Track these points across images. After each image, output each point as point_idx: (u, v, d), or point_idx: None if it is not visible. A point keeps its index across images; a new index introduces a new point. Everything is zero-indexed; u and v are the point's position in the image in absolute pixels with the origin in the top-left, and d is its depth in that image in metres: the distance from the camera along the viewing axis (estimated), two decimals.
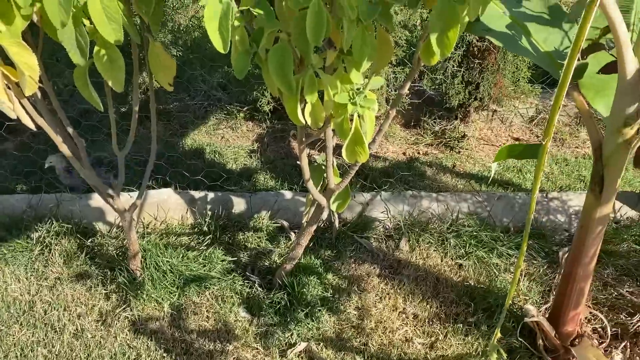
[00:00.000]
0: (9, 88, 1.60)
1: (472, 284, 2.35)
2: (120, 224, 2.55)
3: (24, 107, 1.70)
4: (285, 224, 2.58)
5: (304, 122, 1.45)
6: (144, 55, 1.80)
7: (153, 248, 2.30)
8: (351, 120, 1.43)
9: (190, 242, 2.47)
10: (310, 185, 1.82)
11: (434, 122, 3.42)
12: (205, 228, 2.51)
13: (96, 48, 1.63)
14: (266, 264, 2.40)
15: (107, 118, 1.99)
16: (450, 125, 3.38)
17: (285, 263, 2.19)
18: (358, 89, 1.38)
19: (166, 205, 2.57)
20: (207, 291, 2.24)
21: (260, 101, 3.27)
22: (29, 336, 2.05)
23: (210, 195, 2.63)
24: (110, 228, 2.54)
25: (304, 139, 1.67)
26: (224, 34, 1.23)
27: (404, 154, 3.34)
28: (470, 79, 3.13)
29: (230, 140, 3.44)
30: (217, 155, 3.18)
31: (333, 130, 1.59)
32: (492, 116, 3.66)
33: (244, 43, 1.33)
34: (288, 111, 1.44)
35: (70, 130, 1.93)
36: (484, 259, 2.45)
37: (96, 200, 2.59)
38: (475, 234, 2.51)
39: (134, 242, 2.15)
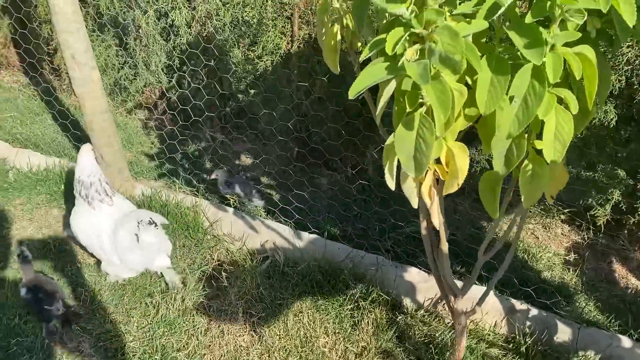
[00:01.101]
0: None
1: None
2: (429, 307, 2.44)
3: None
4: None
5: None
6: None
7: (469, 354, 2.11)
8: None
9: (503, 359, 2.22)
10: None
11: None
12: (522, 349, 2.23)
13: (526, 162, 1.48)
14: None
15: None
16: None
17: None
18: None
19: (484, 306, 2.36)
20: None
21: (596, 210, 2.88)
22: None
23: (533, 311, 2.34)
24: (417, 308, 2.44)
25: None
26: None
27: None
28: None
29: (540, 239, 3.11)
30: (530, 257, 2.88)
31: None
32: None
33: None
34: None
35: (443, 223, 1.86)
36: None
37: (410, 273, 2.53)
38: None
39: (461, 350, 1.98)
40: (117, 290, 2.52)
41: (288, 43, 3.14)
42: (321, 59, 3.04)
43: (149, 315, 2.38)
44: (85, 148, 2.60)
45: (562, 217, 3.16)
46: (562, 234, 3.14)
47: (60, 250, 2.74)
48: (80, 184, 2.52)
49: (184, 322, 2.35)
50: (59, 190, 3.16)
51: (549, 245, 3.04)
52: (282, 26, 3.10)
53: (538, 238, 3.11)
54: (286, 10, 3.04)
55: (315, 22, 3.01)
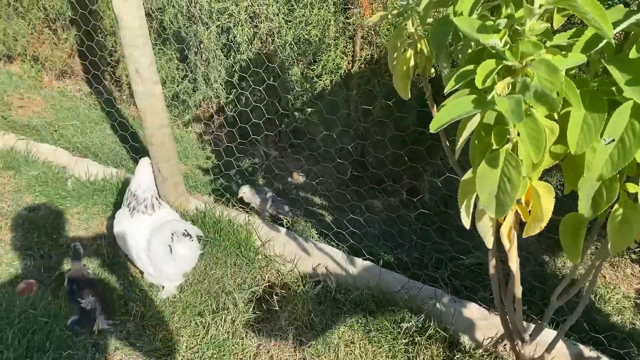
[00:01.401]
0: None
1: None
2: (488, 347, 2.30)
3: None
4: None
5: None
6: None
7: None
8: None
9: None
10: None
11: None
12: None
13: (616, 206, 1.36)
14: None
15: None
16: None
17: None
18: None
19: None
20: None
21: None
22: None
23: (604, 359, 2.17)
24: (476, 347, 2.30)
25: None
26: None
27: None
28: None
29: (607, 278, 2.91)
30: (597, 298, 2.70)
31: None
32: None
33: None
34: None
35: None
36: None
37: (469, 309, 2.40)
38: None
39: None
40: (168, 307, 2.49)
41: (349, 63, 3.09)
42: (382, 81, 2.97)
43: (199, 335, 2.34)
44: (144, 162, 2.62)
45: (633, 256, 2.95)
46: (632, 274, 2.93)
47: (114, 263, 2.76)
48: (133, 197, 2.54)
49: (233, 345, 2.30)
50: (115, 202, 3.19)
51: (618, 285, 2.85)
52: (344, 46, 3.05)
53: (605, 277, 2.91)
54: (349, 30, 2.99)
55: (378, 43, 2.95)
